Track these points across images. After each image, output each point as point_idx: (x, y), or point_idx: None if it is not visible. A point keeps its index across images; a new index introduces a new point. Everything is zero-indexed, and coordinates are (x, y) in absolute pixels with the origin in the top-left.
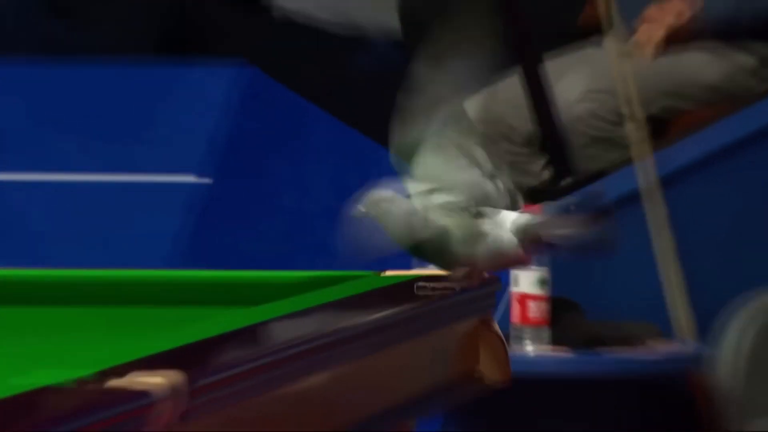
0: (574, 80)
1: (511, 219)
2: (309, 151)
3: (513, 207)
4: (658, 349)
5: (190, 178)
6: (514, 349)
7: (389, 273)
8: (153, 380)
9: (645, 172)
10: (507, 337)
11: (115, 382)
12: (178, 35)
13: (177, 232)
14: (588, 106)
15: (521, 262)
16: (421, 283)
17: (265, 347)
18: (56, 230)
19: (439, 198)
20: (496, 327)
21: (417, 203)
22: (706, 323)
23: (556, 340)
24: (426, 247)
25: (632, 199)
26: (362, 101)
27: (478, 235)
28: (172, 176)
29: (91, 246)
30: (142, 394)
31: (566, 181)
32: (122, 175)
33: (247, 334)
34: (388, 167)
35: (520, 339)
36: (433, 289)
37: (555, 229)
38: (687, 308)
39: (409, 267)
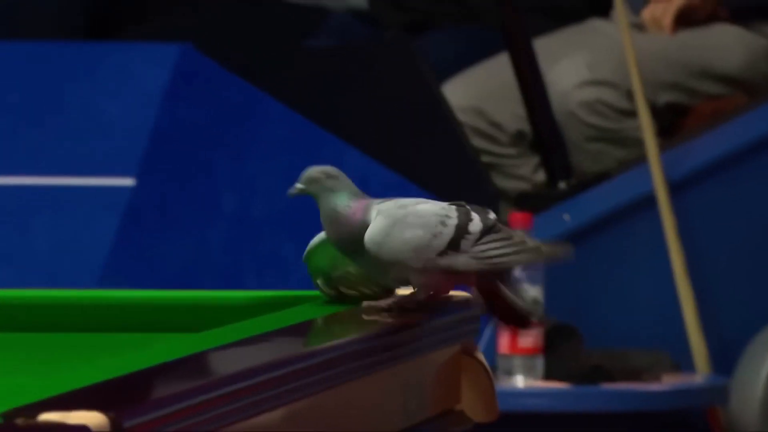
0: (573, 64)
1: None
2: (256, 145)
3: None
4: (669, 382)
5: (113, 180)
6: (501, 383)
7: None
8: (90, 416)
9: (654, 174)
10: (494, 368)
11: (48, 417)
12: (106, 11)
13: (98, 243)
14: (589, 94)
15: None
16: (367, 303)
17: (208, 380)
18: None
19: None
20: (481, 356)
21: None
22: (723, 351)
23: (551, 372)
24: (350, 245)
25: (640, 206)
26: (318, 86)
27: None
28: (92, 178)
29: None
30: (79, 430)
31: (564, 184)
32: (30, 177)
33: (189, 366)
34: (351, 163)
35: (509, 371)
36: (384, 309)
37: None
38: (701, 334)
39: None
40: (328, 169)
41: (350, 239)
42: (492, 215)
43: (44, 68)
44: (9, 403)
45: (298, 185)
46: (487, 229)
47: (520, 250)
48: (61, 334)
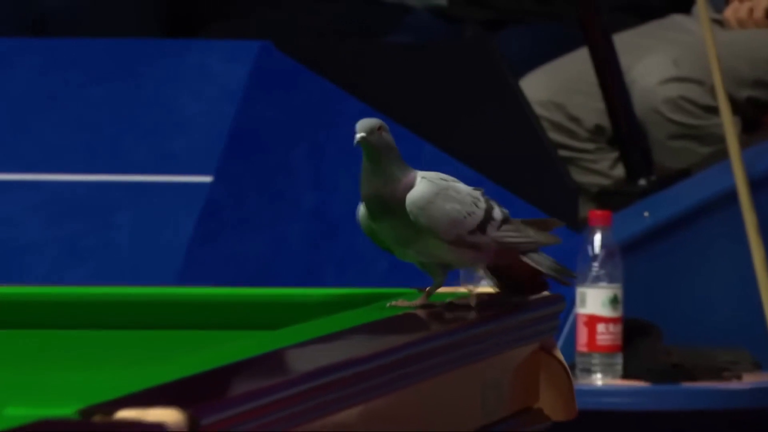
0: (657, 60)
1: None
2: (334, 142)
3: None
4: (750, 380)
5: (194, 177)
6: (580, 381)
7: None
8: (167, 414)
9: (735, 171)
10: (572, 366)
11: (125, 414)
12: (187, 9)
13: (177, 240)
14: (673, 91)
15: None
16: (391, 304)
17: (285, 378)
18: (33, 239)
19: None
20: (560, 354)
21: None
22: None
23: (631, 370)
24: (387, 205)
25: (721, 203)
26: (397, 83)
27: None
28: (173, 175)
29: (74, 258)
30: (155, 429)
31: (644, 181)
32: (112, 175)
33: (265, 363)
34: (428, 160)
35: (587, 369)
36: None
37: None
38: None
39: (457, 282)
40: (382, 121)
41: (391, 199)
42: (505, 209)
43: (125, 66)
44: (87, 399)
45: (361, 134)
46: (505, 219)
47: (530, 240)
48: (140, 331)
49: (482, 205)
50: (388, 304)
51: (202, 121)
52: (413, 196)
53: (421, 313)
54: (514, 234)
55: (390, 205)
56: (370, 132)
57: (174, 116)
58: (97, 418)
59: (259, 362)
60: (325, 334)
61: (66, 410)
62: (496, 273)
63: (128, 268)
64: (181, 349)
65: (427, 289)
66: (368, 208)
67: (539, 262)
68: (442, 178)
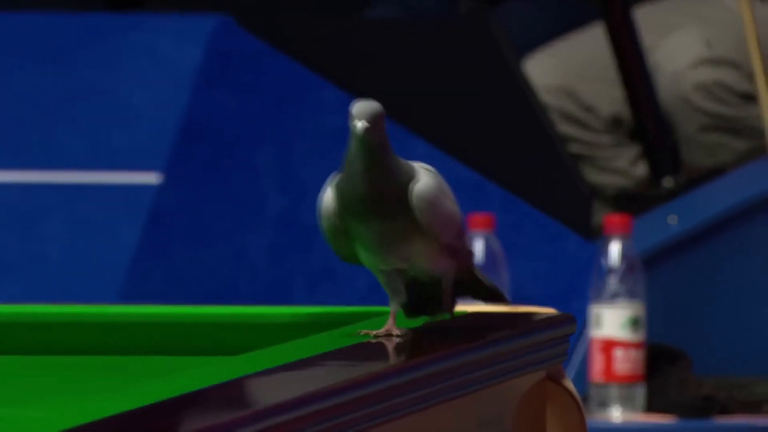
0: (686, 39)
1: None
2: (305, 136)
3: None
4: None
5: (139, 177)
6: (595, 416)
7: None
8: None
9: None
10: (585, 399)
11: None
12: None
13: (119, 250)
14: (706, 75)
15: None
16: (364, 331)
17: (246, 411)
18: None
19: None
20: (570, 384)
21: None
22: None
23: (655, 404)
24: (381, 201)
25: (761, 206)
26: (379, 66)
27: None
28: (111, 173)
29: (2, 270)
30: None
31: (670, 181)
32: (40, 174)
33: (224, 394)
34: (418, 157)
35: (603, 402)
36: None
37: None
38: None
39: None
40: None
41: (391, 196)
42: None
43: (57, 45)
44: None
45: (366, 124)
46: None
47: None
48: (77, 357)
49: None
50: (357, 332)
51: (149, 111)
52: (421, 189)
53: (411, 336)
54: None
55: (388, 204)
56: (375, 121)
57: (115, 105)
58: None
59: (216, 393)
60: (294, 360)
61: None
62: (418, 288)
63: (60, 284)
64: (126, 379)
65: (392, 310)
66: (354, 207)
67: (483, 277)
68: (435, 172)
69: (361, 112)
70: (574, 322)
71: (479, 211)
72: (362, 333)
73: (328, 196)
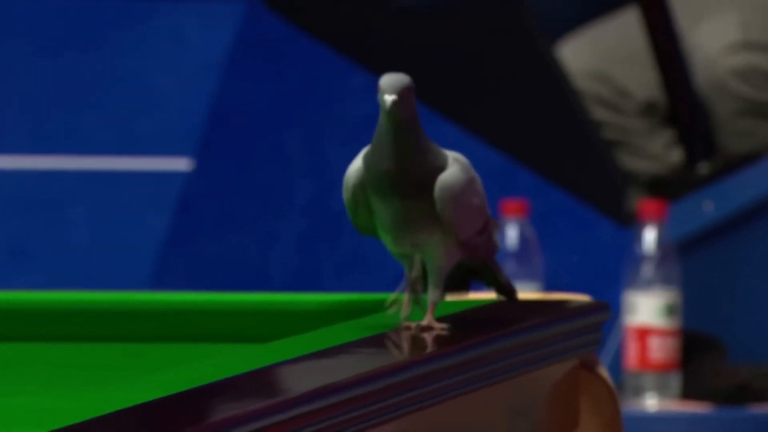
0: (722, 23)
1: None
2: (335, 123)
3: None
4: None
5: (167, 165)
6: (629, 404)
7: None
8: None
9: None
10: (619, 386)
11: None
12: None
13: (147, 237)
14: (741, 60)
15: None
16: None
17: (275, 400)
18: None
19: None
20: (604, 372)
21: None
22: None
23: (689, 392)
24: (405, 182)
25: None
26: (411, 52)
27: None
28: (140, 159)
29: (21, 261)
30: None
31: (705, 167)
32: (66, 158)
33: (253, 383)
34: (450, 143)
35: (638, 389)
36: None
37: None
38: None
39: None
40: (410, 79)
41: (418, 177)
42: None
43: (83, 32)
44: (45, 424)
45: (394, 97)
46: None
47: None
48: (103, 344)
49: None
50: (398, 324)
51: (177, 97)
52: (447, 181)
53: (444, 329)
54: (493, 234)
55: (412, 185)
56: (403, 95)
57: (143, 91)
58: None
59: (245, 381)
60: (323, 348)
61: None
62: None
63: (87, 271)
64: (153, 366)
65: (431, 299)
66: (377, 181)
67: (497, 269)
68: (468, 164)
69: (390, 85)
70: (608, 309)
71: (512, 197)
72: (403, 326)
73: (355, 167)
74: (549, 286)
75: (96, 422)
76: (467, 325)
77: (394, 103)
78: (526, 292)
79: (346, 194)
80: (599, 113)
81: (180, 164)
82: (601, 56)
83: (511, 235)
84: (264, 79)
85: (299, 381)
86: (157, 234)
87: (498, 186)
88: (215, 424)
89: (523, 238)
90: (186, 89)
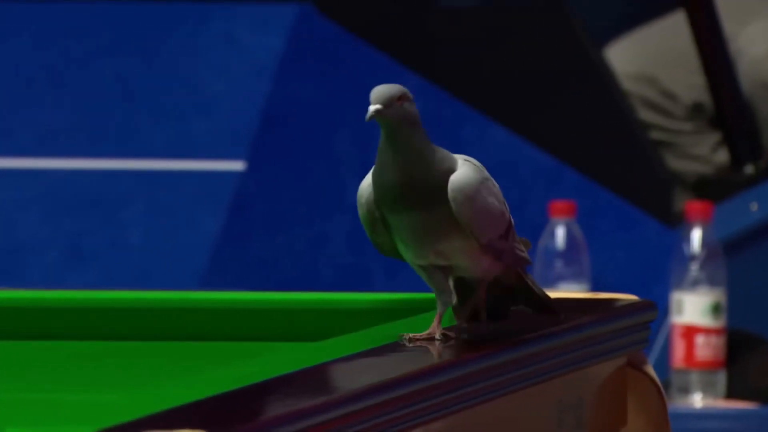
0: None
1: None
2: None
3: None
4: None
5: (221, 165)
6: (675, 401)
7: None
8: None
9: None
10: (666, 385)
11: None
12: None
13: (200, 237)
14: None
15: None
16: (408, 336)
17: (328, 398)
18: (28, 237)
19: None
20: (651, 371)
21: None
22: None
23: (735, 390)
24: (415, 193)
25: None
26: (458, 52)
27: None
28: (195, 163)
29: (77, 259)
30: None
31: (751, 168)
32: (121, 161)
33: (305, 381)
34: (496, 143)
35: (684, 388)
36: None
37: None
38: None
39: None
40: (405, 89)
41: (425, 186)
42: None
43: (137, 35)
44: (99, 420)
45: (377, 106)
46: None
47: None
48: (158, 343)
49: (507, 206)
50: (399, 335)
51: (229, 99)
52: (459, 181)
53: (443, 340)
54: (519, 246)
55: (423, 194)
56: (388, 103)
57: (196, 94)
58: None
59: (297, 379)
60: (375, 346)
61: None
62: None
63: (141, 271)
64: (206, 364)
65: (438, 311)
66: (387, 197)
67: (534, 284)
68: (479, 165)
69: (375, 95)
70: (655, 308)
71: (559, 198)
72: (403, 337)
73: (365, 184)
74: (596, 286)
75: (149, 420)
76: (519, 323)
77: (377, 111)
78: (574, 292)
79: (361, 213)
80: (646, 115)
81: (233, 165)
82: (647, 59)
83: (559, 235)
84: (315, 81)
85: (351, 379)
86: (210, 234)
87: (546, 187)
88: (267, 421)
89: (570, 238)
90: (239, 91)
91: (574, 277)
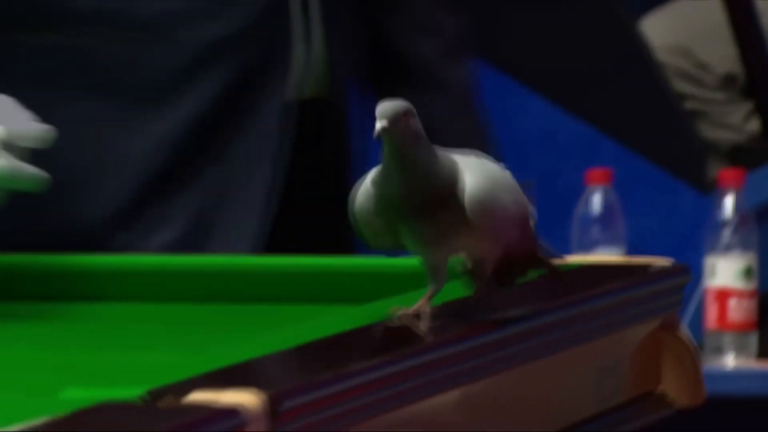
0: None
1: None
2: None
3: None
4: None
5: None
6: (709, 362)
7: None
8: (244, 396)
9: None
10: (700, 346)
11: (197, 397)
12: None
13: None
14: None
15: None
16: (399, 312)
17: (375, 359)
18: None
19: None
20: (685, 332)
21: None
22: None
23: (766, 350)
24: (427, 205)
25: None
26: (496, 24)
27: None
28: None
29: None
30: (230, 414)
31: None
32: None
33: (354, 342)
34: (535, 113)
35: (717, 349)
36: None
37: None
38: None
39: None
40: (410, 105)
41: (436, 196)
42: None
43: None
44: (154, 380)
45: (383, 124)
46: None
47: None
48: (214, 305)
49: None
50: (389, 311)
51: None
52: (475, 192)
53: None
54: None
55: (430, 203)
56: (394, 120)
57: None
58: (165, 401)
59: (346, 340)
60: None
61: (131, 392)
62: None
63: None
64: (258, 326)
65: (429, 290)
66: (394, 208)
67: (544, 255)
68: (486, 164)
69: (381, 112)
70: (688, 272)
71: (596, 165)
72: (392, 312)
73: (364, 192)
74: (632, 250)
75: (199, 379)
76: (559, 287)
77: (384, 129)
78: (610, 256)
79: (359, 219)
80: (681, 86)
81: None
82: (682, 31)
83: (596, 201)
84: None
85: (395, 341)
86: None
87: (583, 155)
88: (319, 381)
89: (607, 205)
90: None
91: (611, 242)
